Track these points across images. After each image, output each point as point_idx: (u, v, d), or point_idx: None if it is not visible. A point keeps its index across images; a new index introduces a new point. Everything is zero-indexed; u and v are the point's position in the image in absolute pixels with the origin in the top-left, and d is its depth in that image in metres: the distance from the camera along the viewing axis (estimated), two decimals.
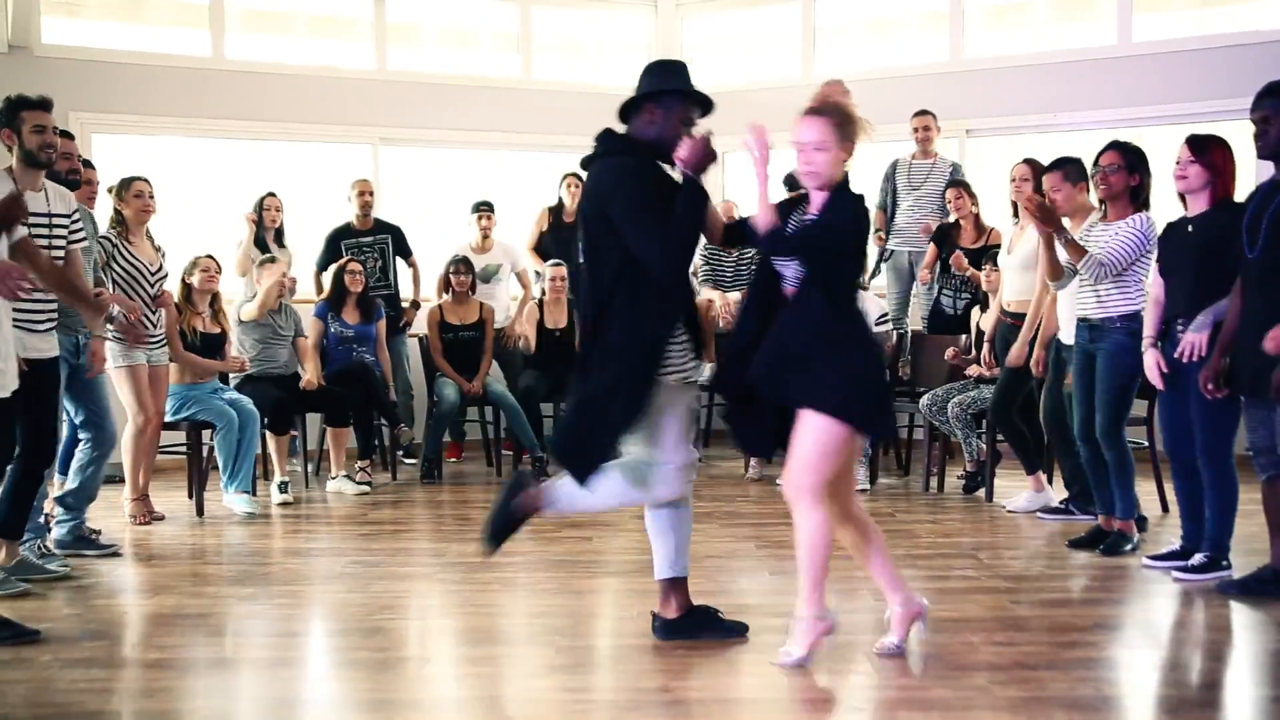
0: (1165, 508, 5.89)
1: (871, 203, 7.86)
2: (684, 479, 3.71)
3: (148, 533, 5.70)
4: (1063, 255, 5.01)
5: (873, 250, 7.90)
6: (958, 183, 7.30)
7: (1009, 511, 5.96)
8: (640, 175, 3.60)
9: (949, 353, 6.57)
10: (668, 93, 3.67)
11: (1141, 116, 7.68)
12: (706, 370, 5.12)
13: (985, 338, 6.28)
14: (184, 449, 6.45)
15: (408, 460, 7.67)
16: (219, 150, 8.40)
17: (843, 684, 3.46)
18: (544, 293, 7.64)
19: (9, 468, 4.27)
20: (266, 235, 7.48)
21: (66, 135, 5.26)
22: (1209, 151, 4.50)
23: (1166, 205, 5.21)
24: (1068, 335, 5.27)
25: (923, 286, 7.43)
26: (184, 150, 8.31)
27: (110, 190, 5.82)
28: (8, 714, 3.24)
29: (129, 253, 5.67)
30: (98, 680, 3.52)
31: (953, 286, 7.10)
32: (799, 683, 3.47)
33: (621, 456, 3.67)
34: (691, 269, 5.04)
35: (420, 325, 7.70)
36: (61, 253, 4.53)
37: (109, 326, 4.83)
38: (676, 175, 3.66)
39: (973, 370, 6.39)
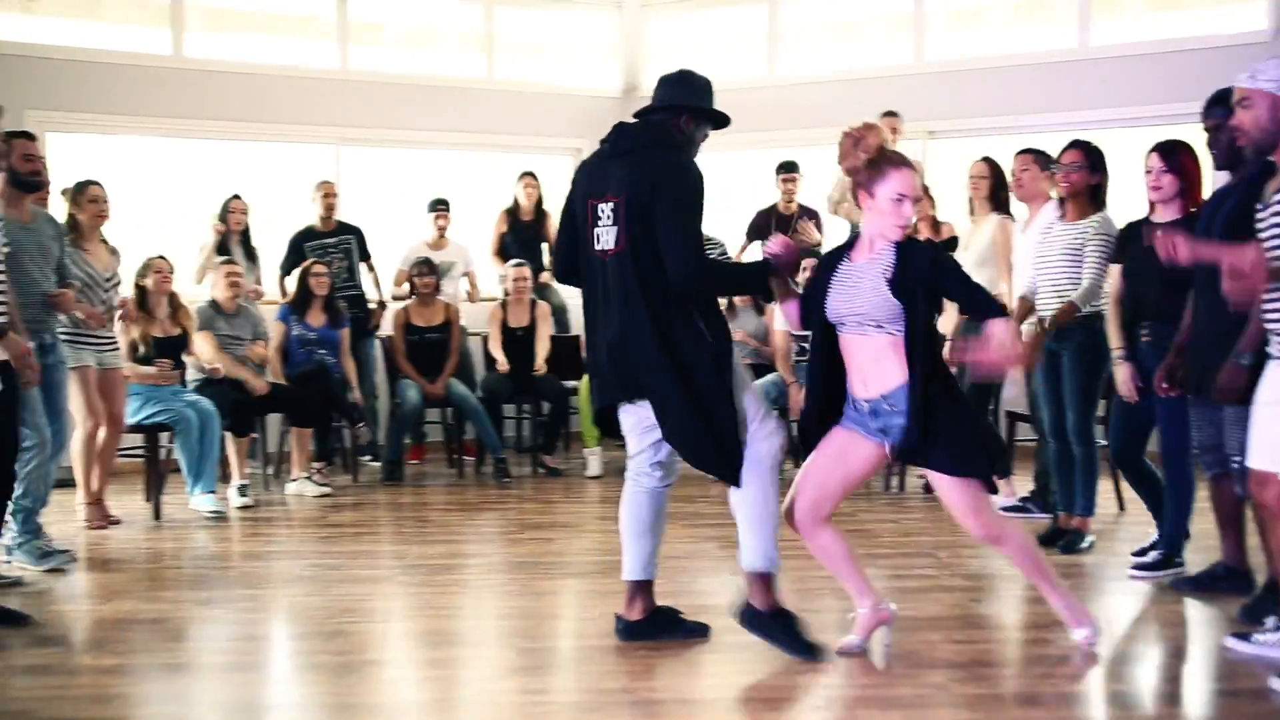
0: (1122, 506, 5.95)
1: (821, 200, 7.96)
2: (780, 427, 3.73)
3: (103, 537, 5.63)
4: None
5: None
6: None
7: None
8: (700, 177, 3.63)
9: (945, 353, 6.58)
10: (704, 110, 3.74)
11: (1100, 119, 7.75)
12: None
13: (948, 337, 6.30)
14: (141, 452, 6.38)
15: (370, 462, 7.62)
16: (179, 150, 8.30)
17: (803, 682, 3.47)
18: (507, 293, 7.61)
19: None
20: (231, 239, 7.41)
21: (27, 136, 5.20)
22: (1179, 160, 4.55)
23: (1122, 206, 5.28)
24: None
25: None
26: (143, 150, 8.21)
27: (64, 193, 5.74)
28: None
29: (83, 260, 5.60)
30: (51, 687, 3.47)
31: None
32: (759, 682, 3.48)
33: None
34: None
35: (388, 326, 7.66)
36: None
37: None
38: None
39: None
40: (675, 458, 3.79)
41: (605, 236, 3.65)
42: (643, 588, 3.85)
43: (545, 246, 8.15)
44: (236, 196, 7.47)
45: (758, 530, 3.61)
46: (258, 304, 7.18)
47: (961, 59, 8.49)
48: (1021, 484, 6.11)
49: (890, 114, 7.74)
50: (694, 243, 3.55)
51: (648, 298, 3.56)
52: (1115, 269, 4.80)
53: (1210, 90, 4.34)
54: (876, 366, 3.47)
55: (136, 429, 6.16)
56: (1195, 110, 4.52)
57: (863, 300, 3.45)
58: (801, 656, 3.60)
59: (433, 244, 7.98)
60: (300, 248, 7.58)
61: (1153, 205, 4.68)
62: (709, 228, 4.15)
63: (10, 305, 4.32)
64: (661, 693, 3.43)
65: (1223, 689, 3.49)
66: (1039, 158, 5.43)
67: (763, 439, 3.63)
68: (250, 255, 7.49)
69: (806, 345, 6.88)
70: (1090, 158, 4.97)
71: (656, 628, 3.84)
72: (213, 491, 6.14)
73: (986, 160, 6.24)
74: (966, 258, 6.07)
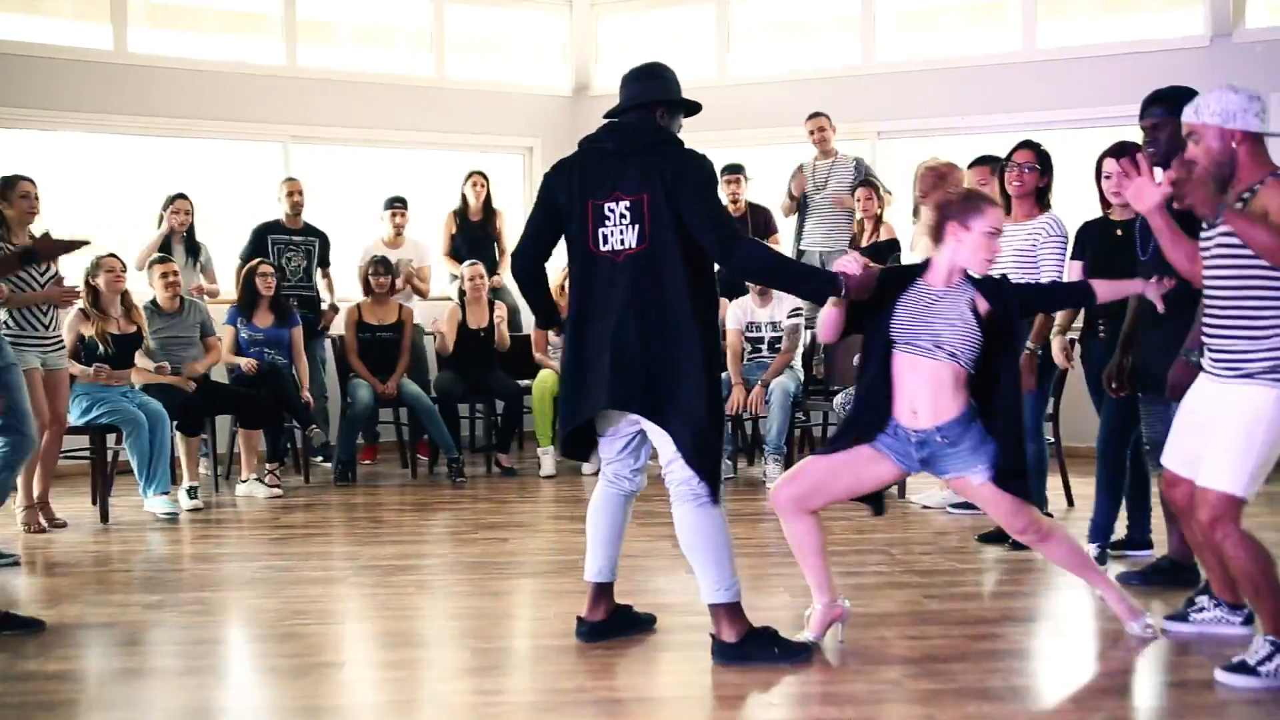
0: (1070, 501, 6.04)
1: (773, 199, 8.01)
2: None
3: (47, 540, 5.54)
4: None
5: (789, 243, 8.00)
6: (869, 183, 7.42)
7: (922, 508, 6.07)
8: (712, 164, 3.62)
9: None
10: (676, 101, 3.71)
11: (1045, 120, 7.87)
12: None
13: None
14: (88, 454, 6.28)
15: (323, 462, 7.55)
16: (124, 146, 8.18)
17: (757, 679, 3.49)
18: (463, 293, 7.58)
19: None
20: (174, 238, 7.31)
21: None
22: (1135, 163, 4.62)
23: (1066, 205, 5.38)
24: None
25: None
26: (87, 146, 8.08)
27: None
28: None
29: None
30: None
31: None
32: (717, 680, 3.50)
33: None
34: None
35: (338, 326, 7.60)
36: None
37: None
38: None
39: None
40: (648, 463, 3.77)
41: (619, 236, 3.56)
42: (606, 590, 3.85)
43: (496, 246, 8.14)
44: (181, 195, 7.36)
45: (715, 562, 3.56)
46: (206, 301, 7.09)
47: (909, 60, 8.57)
48: None
49: (814, 115, 7.81)
50: (729, 222, 3.55)
51: (668, 298, 3.51)
52: (1075, 265, 4.88)
53: (1149, 92, 4.42)
54: (934, 395, 3.52)
55: (82, 430, 6.06)
56: (1137, 111, 4.60)
57: (942, 325, 3.51)
58: (792, 662, 3.58)
59: (389, 242, 7.92)
60: (264, 239, 7.49)
61: (1104, 201, 4.78)
62: None
63: None
64: (618, 691, 3.44)
65: (1171, 680, 3.55)
66: (993, 169, 5.46)
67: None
68: (194, 252, 7.39)
69: (762, 347, 7.02)
70: (1041, 158, 5.08)
71: (618, 627, 3.85)
72: (167, 492, 6.06)
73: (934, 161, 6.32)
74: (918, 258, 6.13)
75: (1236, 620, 3.83)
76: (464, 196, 8.20)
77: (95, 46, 7.93)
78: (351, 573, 4.89)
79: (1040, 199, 5.12)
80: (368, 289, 7.45)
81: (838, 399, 6.61)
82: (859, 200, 7.35)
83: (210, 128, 8.22)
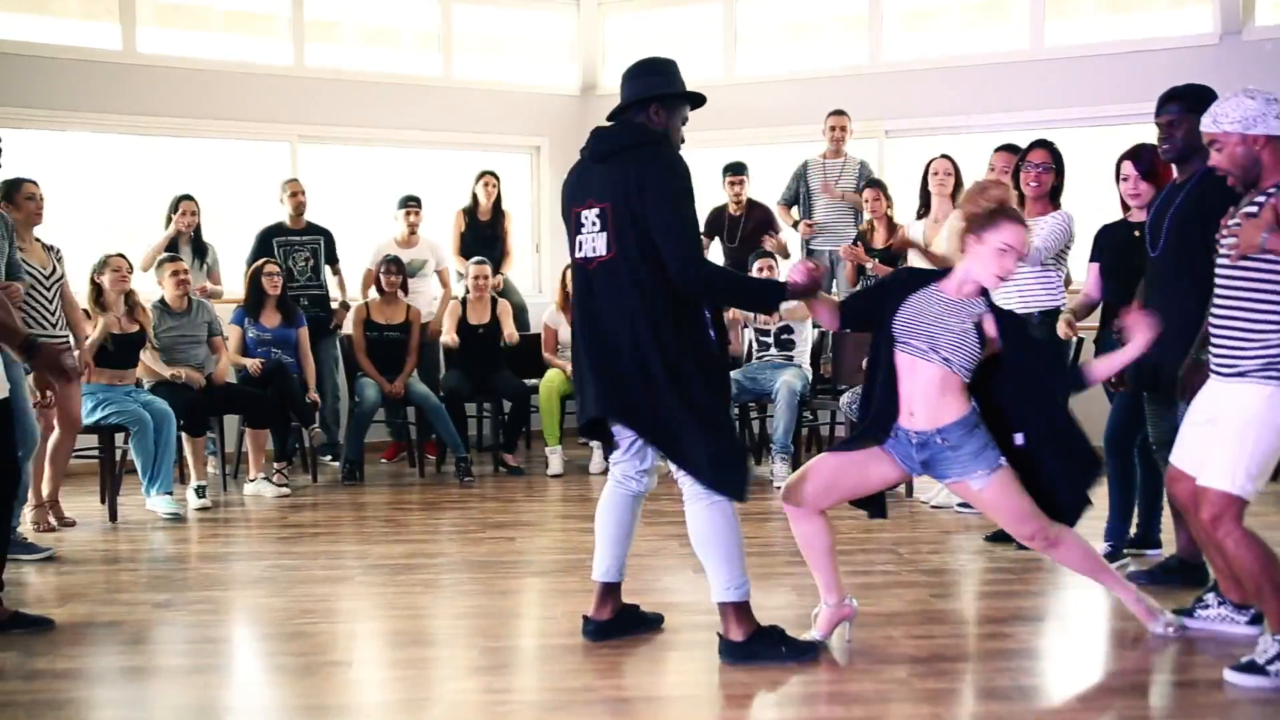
0: None
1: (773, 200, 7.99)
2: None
3: (57, 539, 5.54)
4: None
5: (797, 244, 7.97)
6: (877, 183, 7.40)
7: (931, 507, 6.06)
8: (686, 170, 3.54)
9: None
10: (672, 95, 3.66)
11: (1053, 119, 7.86)
12: None
13: None
14: (96, 453, 6.29)
15: (331, 461, 7.56)
16: (131, 146, 8.20)
17: (764, 679, 3.49)
18: (467, 290, 7.58)
19: None
20: (181, 238, 7.32)
21: None
22: (1152, 165, 4.63)
23: (1076, 204, 5.36)
24: None
25: (848, 285, 7.51)
26: (95, 146, 8.10)
27: None
28: None
29: (21, 258, 5.49)
30: (5, 693, 3.42)
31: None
32: (724, 679, 3.50)
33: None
34: None
35: (349, 325, 7.61)
36: None
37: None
38: None
39: None
40: (656, 463, 3.77)
41: (590, 244, 3.58)
42: (614, 589, 3.85)
43: (502, 246, 8.14)
44: (187, 197, 7.37)
45: (726, 560, 3.55)
46: (212, 301, 7.10)
47: (916, 59, 8.56)
48: None
49: (838, 112, 7.79)
50: (690, 237, 3.48)
51: (638, 306, 3.47)
52: (1093, 267, 4.89)
53: (1158, 91, 4.42)
54: (931, 397, 3.52)
55: (91, 430, 6.08)
56: (1144, 110, 4.60)
57: (940, 330, 3.51)
58: (799, 661, 3.57)
59: (402, 241, 7.92)
60: (269, 242, 7.50)
61: (1126, 206, 4.79)
62: None
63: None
64: (626, 691, 3.44)
65: (1179, 680, 3.55)
66: (1017, 157, 5.44)
67: None
68: (200, 253, 7.41)
69: (769, 342, 7.02)
70: (1056, 158, 5.10)
71: (625, 627, 3.86)
72: (170, 493, 6.07)
73: (947, 158, 6.35)
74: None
75: (1242, 620, 3.83)
76: (474, 195, 8.20)
77: (103, 46, 7.94)
78: (359, 571, 4.89)
79: (1054, 198, 5.14)
80: (379, 287, 7.45)
81: (844, 398, 6.60)
82: (867, 201, 7.34)
83: (217, 127, 8.23)
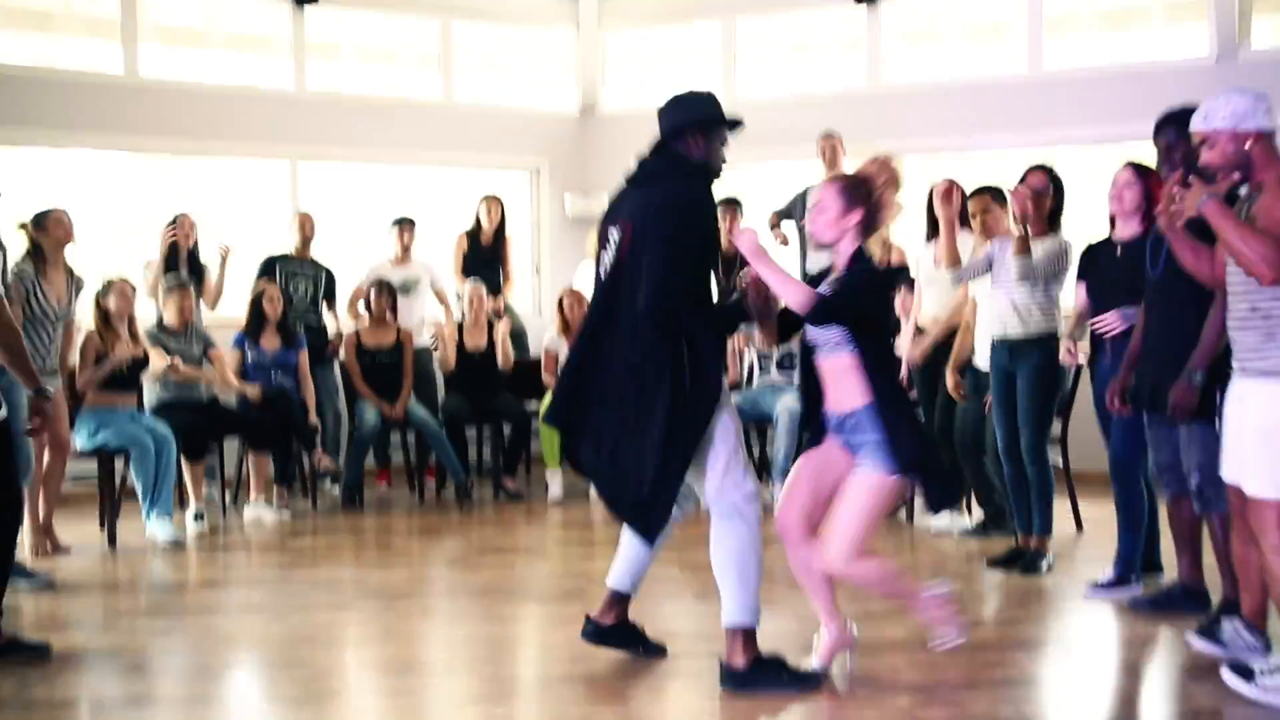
0: (1080, 526, 6.00)
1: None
2: (750, 476, 3.70)
3: (53, 565, 5.52)
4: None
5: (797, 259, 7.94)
6: None
7: (933, 534, 6.02)
8: (705, 210, 3.64)
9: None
10: (714, 121, 3.75)
11: (1052, 139, 7.88)
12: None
13: (905, 360, 6.29)
14: (96, 478, 6.27)
15: (331, 486, 7.54)
16: (133, 166, 8.21)
17: (765, 707, 3.47)
18: (464, 314, 7.57)
19: None
20: (178, 259, 7.31)
21: None
22: (1149, 179, 4.61)
23: (1070, 225, 5.35)
24: (982, 360, 5.37)
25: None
26: (96, 165, 8.11)
27: (22, 227, 5.61)
28: None
29: (43, 295, 5.47)
30: None
31: None
32: (722, 707, 3.48)
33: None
34: None
35: (344, 353, 7.59)
36: None
37: None
38: None
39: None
40: (688, 490, 3.71)
41: (606, 261, 3.66)
42: (622, 600, 3.84)
43: (501, 270, 8.13)
44: (184, 215, 7.37)
45: (742, 583, 3.53)
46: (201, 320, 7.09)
47: (916, 80, 8.58)
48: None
49: (827, 135, 7.73)
50: (668, 275, 3.49)
51: (620, 325, 3.55)
52: (1081, 286, 4.87)
53: (1155, 111, 4.41)
54: (839, 384, 3.53)
55: (91, 454, 6.06)
56: (1142, 131, 4.60)
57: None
58: (801, 689, 3.54)
59: (396, 261, 7.91)
60: (273, 267, 7.49)
61: (1113, 221, 4.74)
62: None
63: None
64: (627, 718, 3.42)
65: (1181, 710, 3.53)
66: (995, 196, 5.44)
67: (733, 487, 3.55)
68: (197, 274, 7.40)
69: (770, 366, 7.00)
70: (1055, 182, 5.08)
71: (622, 639, 3.84)
72: (169, 515, 6.04)
73: (950, 181, 6.31)
74: (938, 275, 5.99)
75: (1258, 645, 3.76)
76: (477, 218, 8.19)
77: (105, 68, 7.96)
78: (358, 598, 4.87)
79: (1052, 221, 5.11)
80: (369, 308, 7.46)
81: None
82: None
83: (218, 148, 8.24)
